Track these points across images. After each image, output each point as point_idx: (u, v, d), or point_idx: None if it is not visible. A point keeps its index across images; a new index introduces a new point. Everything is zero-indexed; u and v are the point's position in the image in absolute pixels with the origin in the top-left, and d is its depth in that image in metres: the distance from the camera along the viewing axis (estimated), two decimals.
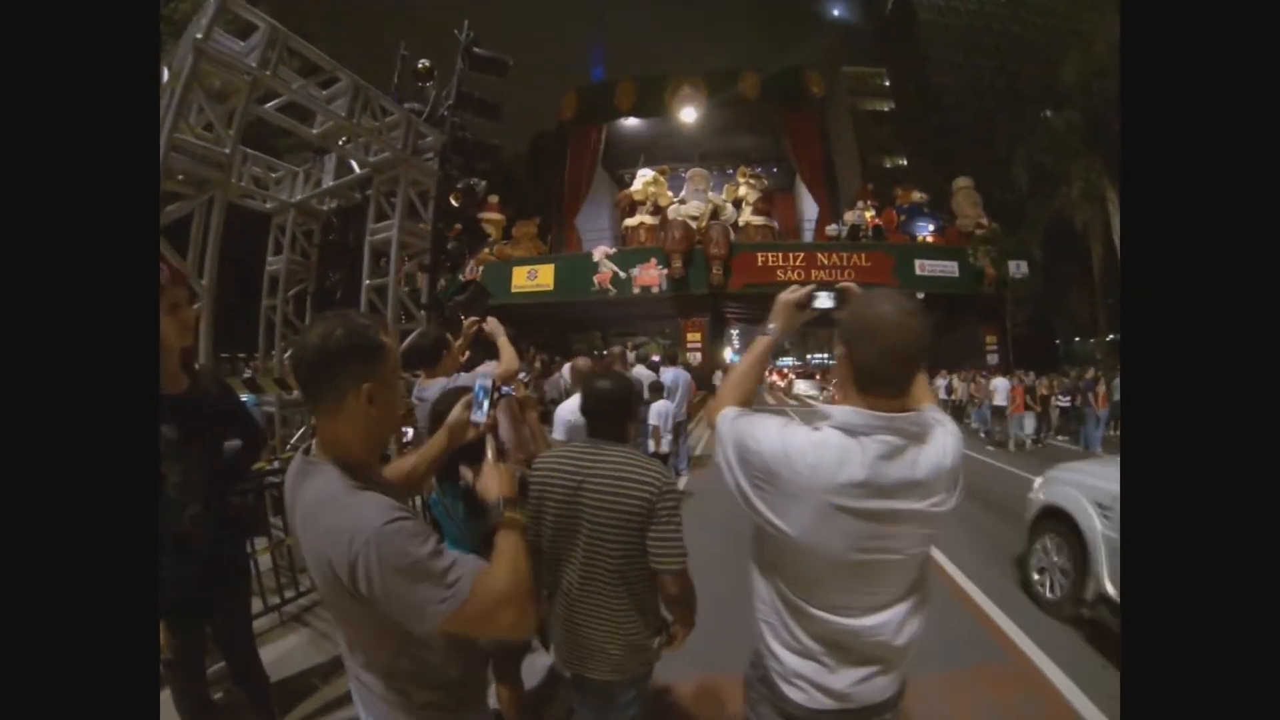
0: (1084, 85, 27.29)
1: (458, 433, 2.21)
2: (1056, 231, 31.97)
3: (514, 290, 31.13)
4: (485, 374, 2.40)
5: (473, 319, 5.06)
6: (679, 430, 10.70)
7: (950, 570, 6.82)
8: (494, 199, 34.21)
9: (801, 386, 39.91)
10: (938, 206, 36.13)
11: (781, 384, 45.90)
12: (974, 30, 76.04)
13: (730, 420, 1.90)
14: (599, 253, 31.13)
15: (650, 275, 30.51)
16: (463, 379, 3.92)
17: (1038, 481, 6.53)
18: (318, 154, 9.12)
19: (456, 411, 2.21)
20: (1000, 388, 18.18)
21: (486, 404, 2.10)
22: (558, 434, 5.31)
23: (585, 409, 2.66)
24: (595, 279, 30.62)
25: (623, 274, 30.44)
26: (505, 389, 4.30)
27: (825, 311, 2.09)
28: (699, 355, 30.69)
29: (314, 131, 7.75)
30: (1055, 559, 5.74)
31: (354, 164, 8.49)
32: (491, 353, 4.30)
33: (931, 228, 34.78)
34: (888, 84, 79.37)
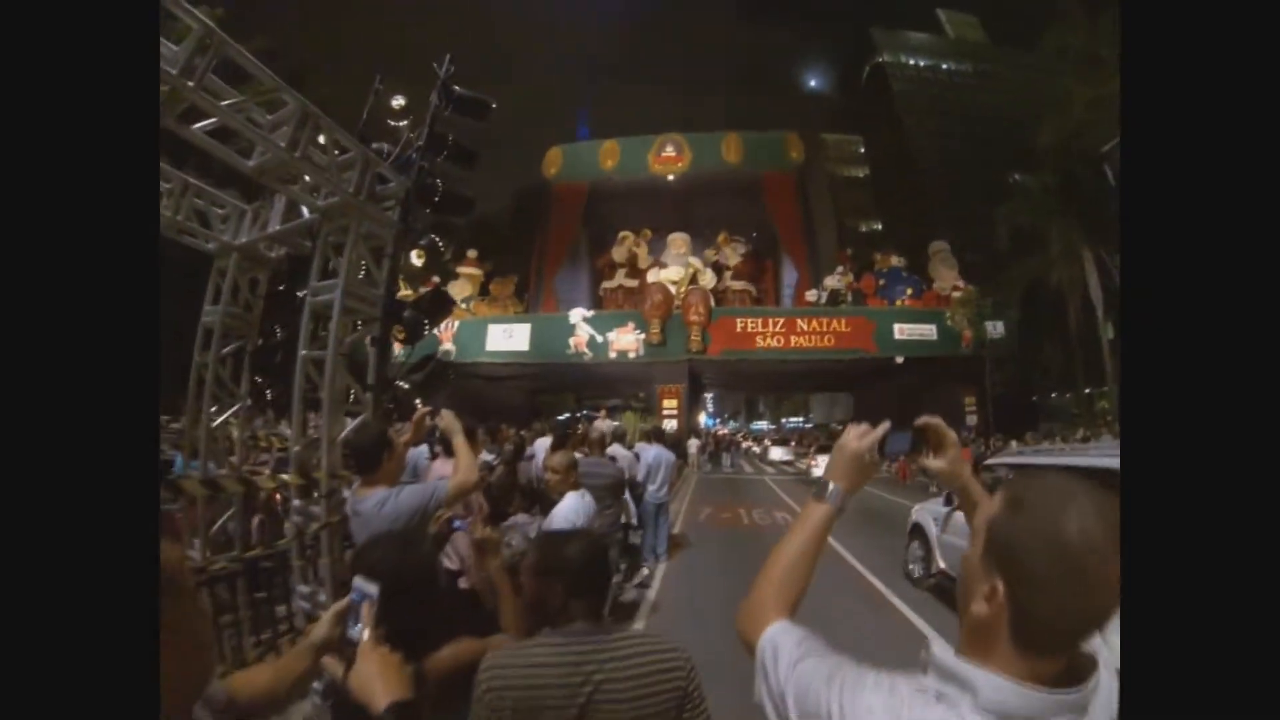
0: (1061, 147, 27.57)
1: (324, 652, 1.62)
2: (1032, 291, 32.20)
3: (489, 350, 30.55)
4: (360, 586, 1.65)
5: (424, 409, 4.30)
6: (660, 511, 9.94)
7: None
8: (472, 253, 34.08)
9: (776, 453, 39.14)
10: (915, 270, 36.43)
11: (756, 450, 45.26)
12: (945, 99, 78.05)
13: (788, 654, 1.24)
14: (576, 315, 30.74)
15: (627, 340, 30.16)
16: (406, 495, 3.15)
17: (912, 510, 9.42)
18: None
19: (322, 629, 1.66)
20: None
21: (362, 615, 1.55)
22: None
23: (563, 584, 1.94)
24: (571, 341, 30.17)
25: (599, 338, 30.06)
26: (458, 523, 3.52)
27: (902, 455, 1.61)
28: (675, 422, 30.17)
29: (249, 163, 6.11)
30: (917, 553, 8.79)
31: (305, 207, 7.09)
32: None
33: (909, 291, 35.03)
34: (863, 150, 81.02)
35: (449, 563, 4.05)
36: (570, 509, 4.43)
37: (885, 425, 1.47)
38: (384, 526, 2.88)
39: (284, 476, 5.86)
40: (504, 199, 52.79)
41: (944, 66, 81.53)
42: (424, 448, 6.48)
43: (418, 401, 5.70)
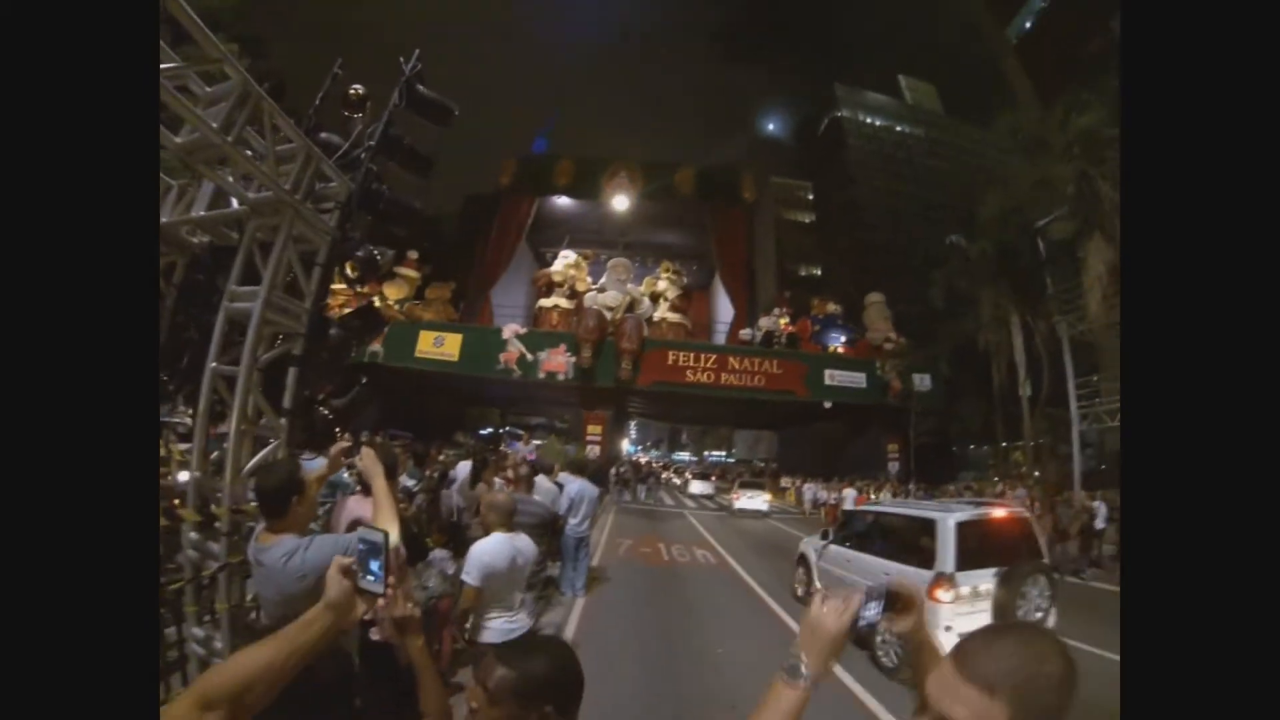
0: (1001, 219, 28.50)
1: (343, 612, 1.57)
2: (961, 349, 33.12)
3: (418, 355, 29.72)
4: (365, 535, 1.63)
5: (342, 445, 3.93)
6: (580, 545, 9.67)
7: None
8: (413, 254, 33.22)
9: (697, 487, 39.26)
10: (850, 319, 37.17)
11: (677, 481, 45.29)
12: (896, 159, 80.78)
13: None
14: (509, 330, 30.22)
15: (558, 361, 29.71)
16: (316, 549, 2.69)
17: (800, 542, 10.83)
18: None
19: (335, 579, 1.57)
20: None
21: (378, 565, 1.57)
22: (471, 578, 4.09)
23: (555, 705, 1.59)
24: (501, 357, 29.59)
25: (530, 356, 29.57)
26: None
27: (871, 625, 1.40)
28: (598, 449, 29.88)
29: (176, 140, 5.06)
30: (802, 576, 10.30)
31: (234, 198, 5.95)
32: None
33: (843, 339, 35.76)
34: (812, 197, 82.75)
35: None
36: (493, 551, 4.11)
37: (858, 598, 1.35)
38: (290, 583, 2.55)
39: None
40: (454, 202, 51.84)
41: (898, 129, 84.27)
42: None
43: (338, 431, 5.17)
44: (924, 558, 7.00)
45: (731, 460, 73.05)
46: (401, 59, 7.81)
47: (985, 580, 6.64)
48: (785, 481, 35.49)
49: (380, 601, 1.55)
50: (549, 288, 34.79)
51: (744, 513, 27.46)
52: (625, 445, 42.37)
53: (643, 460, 54.32)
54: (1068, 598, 9.78)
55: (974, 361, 32.18)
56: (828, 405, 32.47)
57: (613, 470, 28.65)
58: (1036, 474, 27.49)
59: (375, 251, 7.32)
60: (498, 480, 8.19)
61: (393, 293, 32.45)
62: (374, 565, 1.57)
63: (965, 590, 6.57)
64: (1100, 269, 22.31)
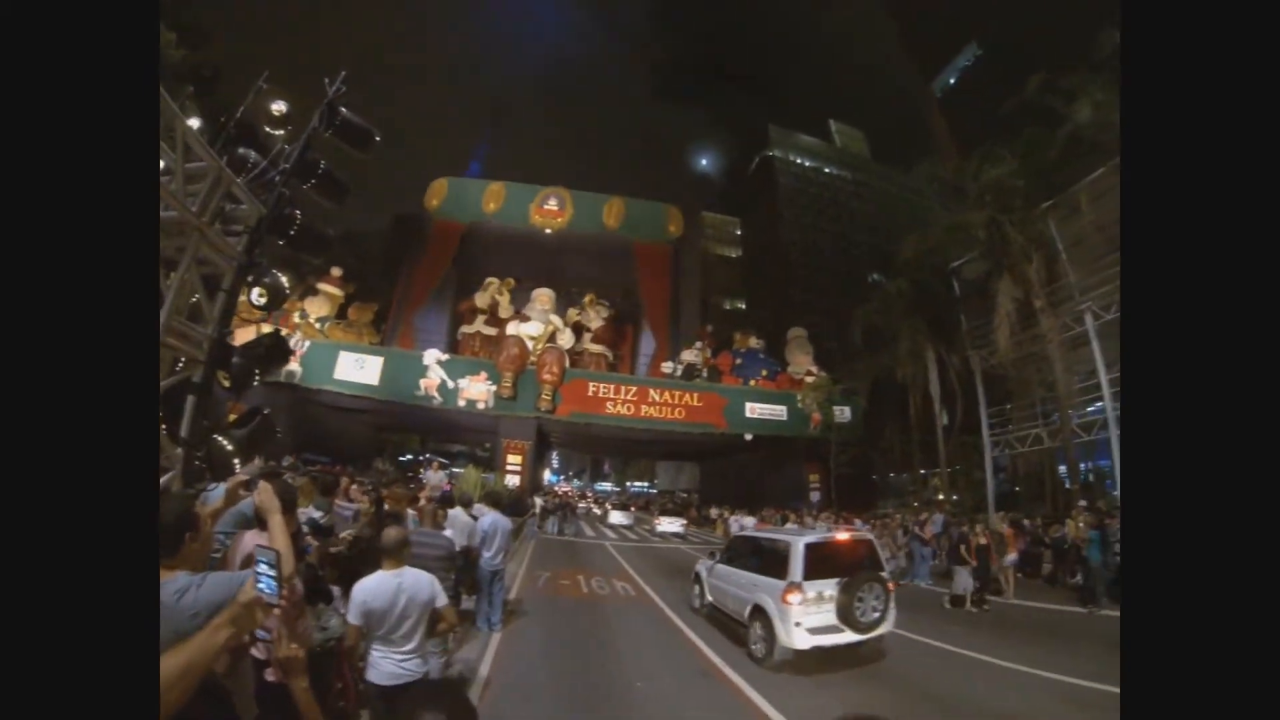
0: (918, 260, 29.91)
1: (245, 619, 1.80)
2: (879, 381, 34.42)
3: (337, 378, 28.88)
4: (261, 554, 1.89)
5: (239, 478, 3.72)
6: (495, 578, 9.45)
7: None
8: (337, 271, 32.46)
9: (617, 517, 39.17)
10: (772, 353, 37.83)
11: (598, 511, 45.09)
12: (823, 199, 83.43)
13: None
14: (430, 356, 29.74)
15: (478, 389, 29.55)
16: (209, 587, 2.51)
17: (696, 563, 12.30)
18: None
19: (243, 597, 1.84)
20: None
21: (271, 574, 1.83)
22: (351, 616, 3.92)
23: None
24: (422, 383, 29.12)
25: (451, 383, 29.16)
26: (259, 632, 2.73)
27: None
28: (517, 478, 29.61)
29: None
30: (695, 591, 11.84)
31: None
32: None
33: (764, 373, 36.31)
34: (739, 233, 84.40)
35: (255, 651, 3.48)
36: (371, 589, 3.92)
37: None
38: (183, 621, 2.38)
39: None
40: (383, 218, 50.83)
41: (826, 170, 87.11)
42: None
43: (236, 463, 4.91)
44: (783, 570, 8.60)
45: (654, 491, 73.11)
46: (326, 80, 7.58)
47: (829, 588, 8.27)
48: (714, 512, 35.67)
49: (276, 611, 1.75)
50: (472, 314, 34.51)
51: (665, 535, 29.90)
52: (547, 475, 41.91)
53: (563, 490, 53.89)
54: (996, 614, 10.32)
55: (892, 393, 33.49)
56: (748, 437, 32.93)
57: (538, 500, 28.33)
58: (954, 498, 28.40)
59: (283, 279, 7.02)
60: (410, 512, 7.95)
61: (315, 310, 31.60)
62: (268, 577, 1.82)
63: (811, 595, 8.21)
64: (1009, 307, 23.41)
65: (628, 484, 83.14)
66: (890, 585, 8.64)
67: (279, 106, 7.63)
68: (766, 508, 27.81)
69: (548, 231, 40.02)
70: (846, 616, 8.10)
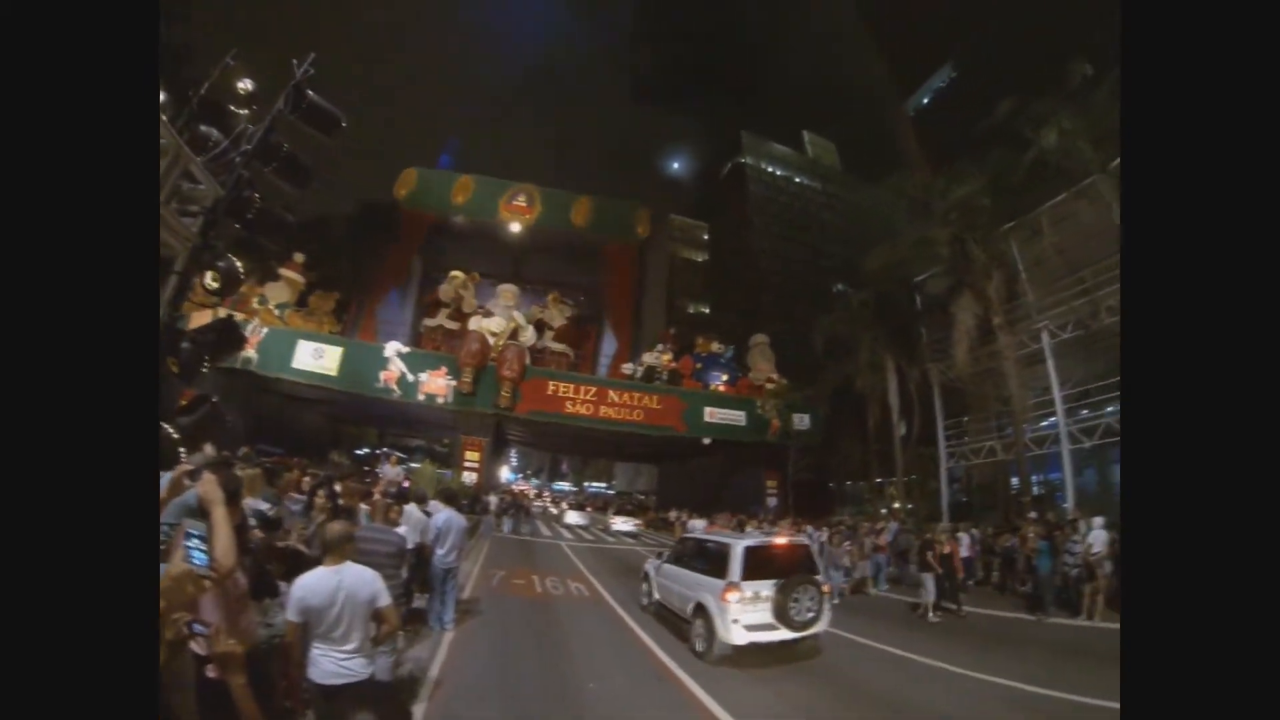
0: (883, 272, 30.23)
1: (175, 591, 1.87)
2: (839, 390, 34.62)
3: (295, 366, 28.20)
4: (189, 529, 1.98)
5: (183, 467, 3.60)
6: (448, 576, 9.32)
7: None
8: (299, 257, 31.67)
9: (573, 517, 39.16)
10: (733, 358, 37.97)
11: (555, 511, 44.98)
12: (792, 208, 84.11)
13: None
14: (391, 349, 29.24)
15: (438, 384, 29.07)
16: None
17: (645, 563, 12.93)
18: None
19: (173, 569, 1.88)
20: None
21: (202, 548, 1.93)
22: (289, 613, 3.81)
23: None
24: (382, 375, 28.58)
25: (411, 376, 28.68)
26: (197, 627, 2.54)
27: None
28: (475, 475, 29.29)
29: None
30: (644, 589, 12.38)
31: None
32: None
33: (725, 378, 36.41)
34: (707, 238, 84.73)
35: (196, 646, 3.35)
36: (309, 586, 3.81)
37: None
38: None
39: None
40: (349, 207, 49.88)
41: (797, 180, 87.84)
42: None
43: (182, 452, 4.70)
44: (723, 571, 9.16)
45: (612, 492, 73.11)
46: (295, 61, 7.35)
47: (765, 588, 8.81)
48: (672, 515, 35.81)
49: (206, 583, 1.81)
50: (435, 308, 34.07)
51: (619, 534, 31.71)
52: (505, 473, 41.68)
53: (521, 489, 53.68)
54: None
55: (851, 403, 33.73)
56: (706, 441, 33.05)
57: (493, 499, 28.05)
58: (909, 507, 28.83)
59: (238, 264, 6.79)
60: (363, 507, 7.82)
61: (275, 296, 30.85)
62: (199, 551, 1.94)
63: (749, 594, 8.76)
64: (969, 322, 23.85)
65: (585, 484, 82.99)
66: (825, 588, 9.27)
67: (245, 85, 7.43)
68: (723, 512, 27.87)
69: (515, 227, 39.74)
70: (782, 615, 8.67)
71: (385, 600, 4.08)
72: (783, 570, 9.08)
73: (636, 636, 10.22)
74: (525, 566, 16.90)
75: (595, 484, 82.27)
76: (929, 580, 13.04)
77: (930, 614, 12.71)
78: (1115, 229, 20.20)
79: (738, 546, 9.35)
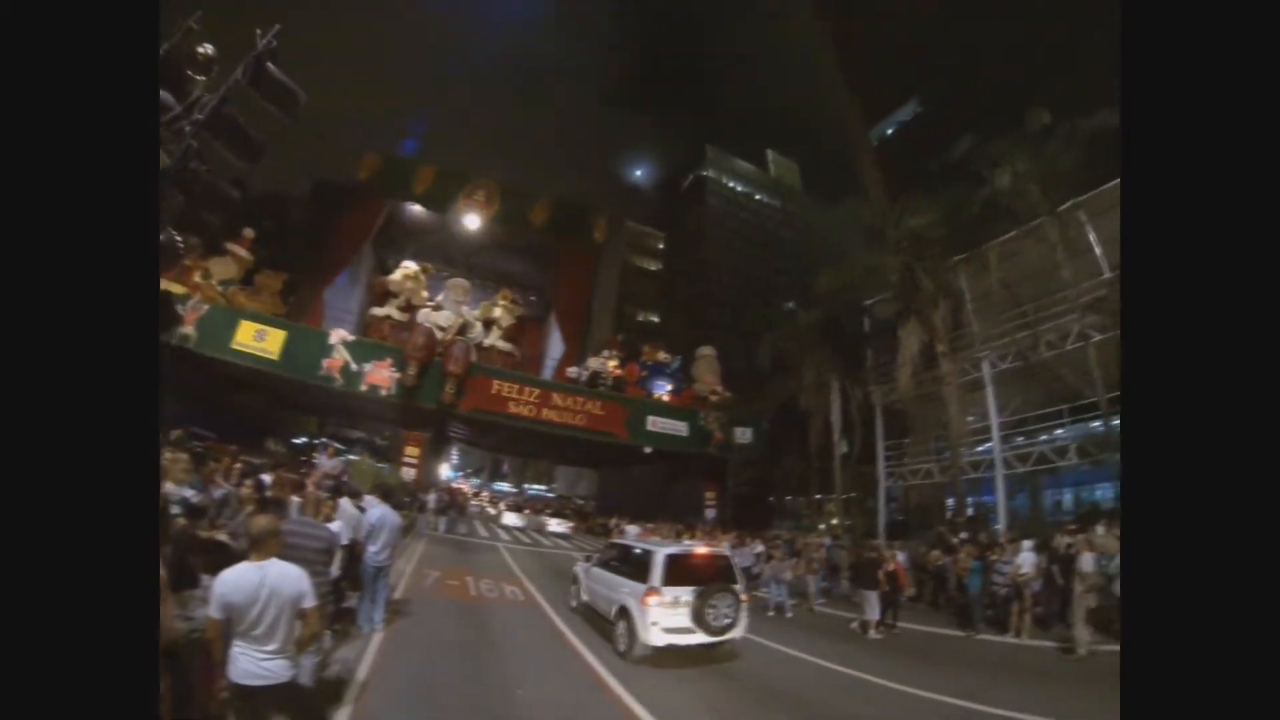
0: (833, 294, 30.90)
1: None
2: (783, 407, 35.33)
3: (234, 346, 27.12)
4: None
5: None
6: (379, 575, 9.09)
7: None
8: (249, 232, 30.44)
9: (510, 519, 38.85)
10: (679, 369, 38.07)
11: (492, 511, 44.59)
12: (750, 224, 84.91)
13: None
14: (336, 336, 28.36)
15: (382, 375, 28.09)
16: None
17: (575, 565, 13.44)
18: None
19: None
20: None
21: None
22: (210, 609, 3.64)
23: None
24: (325, 362, 27.63)
25: (354, 366, 27.82)
26: None
27: None
28: (414, 471, 28.82)
29: None
30: (573, 590, 12.87)
31: None
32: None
33: (669, 387, 36.36)
34: (662, 247, 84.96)
35: None
36: (231, 582, 3.66)
37: None
38: None
39: None
40: (304, 185, 48.38)
41: (757, 197, 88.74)
42: None
43: None
44: (645, 576, 9.64)
45: (552, 495, 72.71)
46: (258, 31, 7.05)
47: (685, 594, 9.31)
48: (612, 522, 35.73)
49: None
50: (384, 296, 33.33)
51: (554, 535, 34.08)
52: (445, 470, 41.08)
53: (460, 487, 53.04)
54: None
55: (794, 419, 34.24)
56: (648, 450, 33.05)
57: (431, 497, 27.44)
58: (847, 523, 29.32)
59: (177, 239, 6.53)
60: (295, 499, 7.58)
61: (219, 271, 29.68)
62: None
63: (669, 599, 9.24)
64: (914, 348, 24.55)
65: (525, 486, 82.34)
66: (744, 597, 9.87)
67: (206, 49, 7.11)
68: (665, 522, 27.86)
69: (472, 222, 39.21)
70: (699, 620, 9.21)
71: (311, 601, 3.93)
72: (702, 578, 9.61)
73: (568, 642, 10.18)
74: (460, 567, 16.64)
75: (535, 486, 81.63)
76: (873, 598, 13.16)
77: (871, 631, 12.88)
78: (1058, 268, 21.18)
79: (660, 553, 9.89)
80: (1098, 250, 20.93)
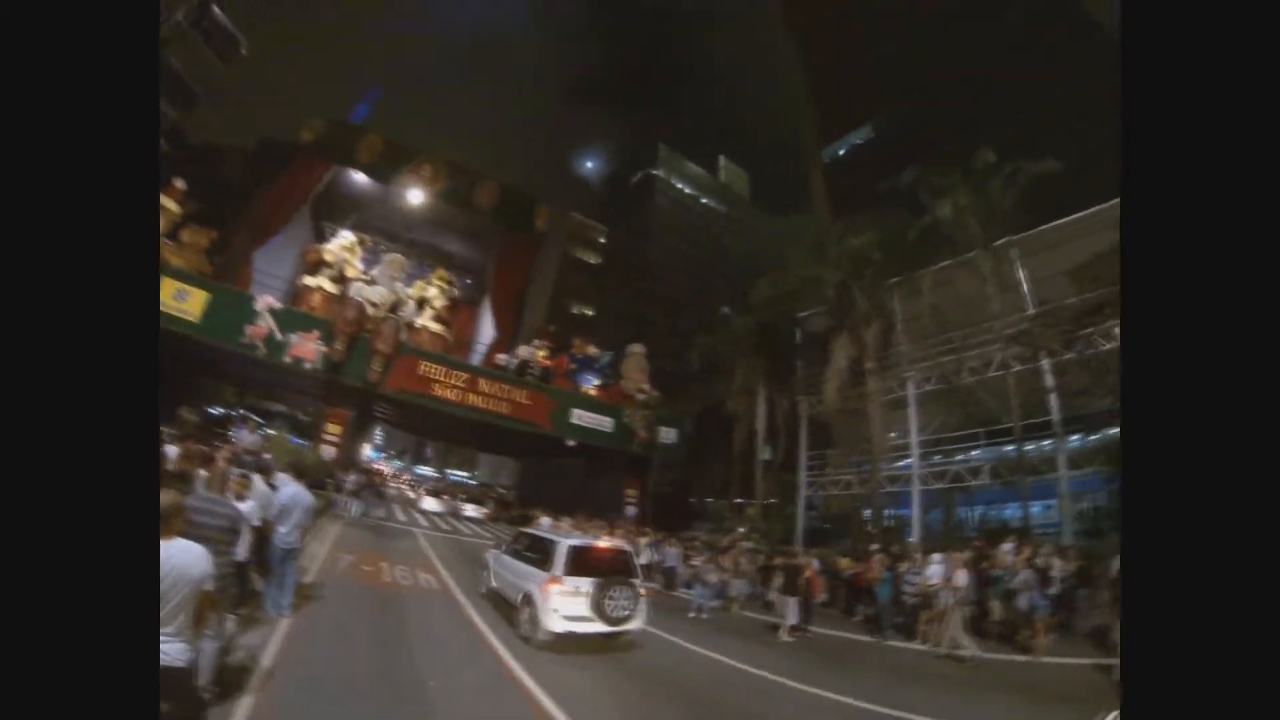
0: (770, 303, 31.48)
1: None
2: (708, 410, 36.07)
3: None
4: None
5: None
6: (288, 558, 8.78)
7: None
8: (179, 183, 28.31)
9: (429, 504, 38.27)
10: (609, 364, 38.07)
11: (412, 495, 43.86)
12: (694, 226, 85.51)
13: None
14: (263, 303, 27.16)
15: (308, 348, 26.97)
16: None
17: (485, 553, 13.82)
18: None
19: None
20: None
21: None
22: None
23: None
24: (249, 330, 26.47)
25: (280, 336, 26.70)
26: None
27: None
28: (334, 449, 27.80)
29: None
30: (484, 576, 13.20)
31: None
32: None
33: (597, 382, 36.39)
34: (604, 241, 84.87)
35: None
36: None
37: None
38: None
39: None
40: (243, 139, 46.23)
41: (704, 200, 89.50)
42: None
43: None
44: (549, 565, 10.11)
45: (474, 482, 71.98)
46: None
47: (585, 585, 9.76)
48: (535, 514, 35.57)
49: None
50: (318, 266, 32.20)
51: (470, 520, 35.13)
52: (368, 451, 40.11)
53: (381, 469, 52.07)
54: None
55: (719, 423, 34.73)
56: (571, 443, 32.98)
57: (349, 477, 26.38)
58: (765, 529, 29.84)
59: None
60: (202, 473, 7.28)
61: None
62: None
63: (569, 588, 9.68)
64: (843, 363, 25.18)
65: (448, 472, 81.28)
66: (642, 591, 10.38)
67: None
68: (590, 518, 27.61)
69: (415, 197, 38.19)
70: (598, 609, 9.66)
71: (210, 585, 3.75)
72: (603, 570, 10.14)
73: (478, 629, 10.21)
74: (376, 552, 16.22)
75: (458, 472, 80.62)
76: (793, 603, 13.54)
77: (783, 634, 13.17)
78: (988, 300, 22.23)
79: (563, 544, 10.43)
80: (1025, 287, 22.31)
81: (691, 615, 14.73)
